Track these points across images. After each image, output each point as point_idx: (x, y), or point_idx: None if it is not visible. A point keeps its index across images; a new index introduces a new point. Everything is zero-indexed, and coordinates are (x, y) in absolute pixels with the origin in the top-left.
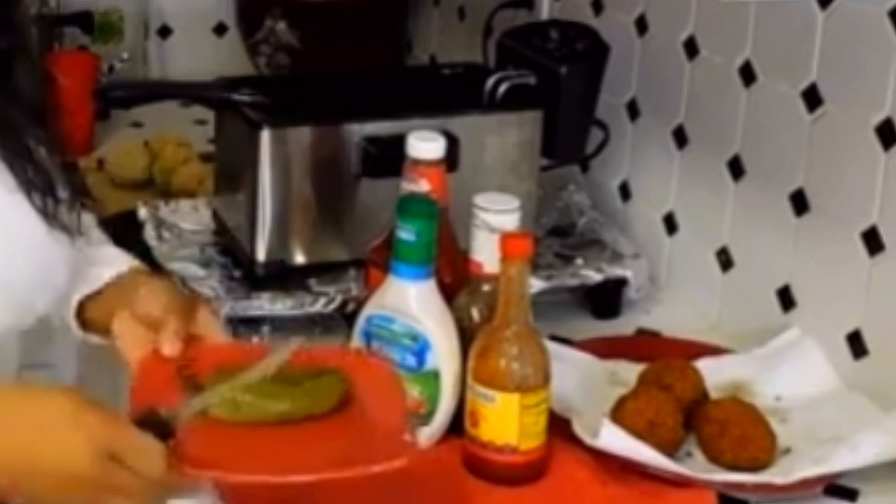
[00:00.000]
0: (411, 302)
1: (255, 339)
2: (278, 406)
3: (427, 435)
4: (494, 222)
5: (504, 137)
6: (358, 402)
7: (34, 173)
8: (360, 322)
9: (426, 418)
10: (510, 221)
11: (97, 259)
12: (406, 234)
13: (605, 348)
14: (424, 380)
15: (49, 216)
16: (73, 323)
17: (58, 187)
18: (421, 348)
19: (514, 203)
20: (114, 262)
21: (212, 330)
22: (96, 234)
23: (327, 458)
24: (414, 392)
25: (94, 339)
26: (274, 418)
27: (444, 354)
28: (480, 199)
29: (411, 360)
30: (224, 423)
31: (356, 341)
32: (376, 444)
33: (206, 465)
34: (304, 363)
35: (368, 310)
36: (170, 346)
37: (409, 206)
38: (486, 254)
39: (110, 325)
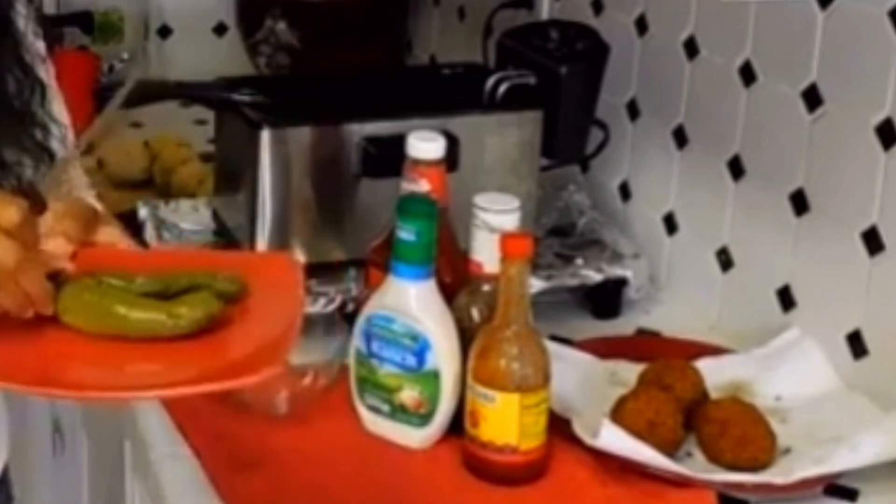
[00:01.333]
0: (411, 302)
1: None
2: (131, 321)
3: (427, 435)
4: (494, 222)
5: (504, 137)
6: (245, 312)
7: (8, 181)
8: (360, 322)
9: (426, 418)
10: (510, 221)
11: None
12: (406, 234)
13: (605, 348)
14: (424, 380)
15: None
16: None
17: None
18: (421, 348)
19: (514, 203)
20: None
21: (115, 242)
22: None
23: (177, 375)
24: (414, 392)
25: None
26: (133, 333)
27: (444, 354)
28: (480, 199)
29: (411, 360)
30: (81, 333)
31: (356, 341)
32: (237, 362)
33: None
34: (206, 265)
35: (368, 310)
36: (54, 244)
37: (409, 206)
38: (486, 254)
39: None
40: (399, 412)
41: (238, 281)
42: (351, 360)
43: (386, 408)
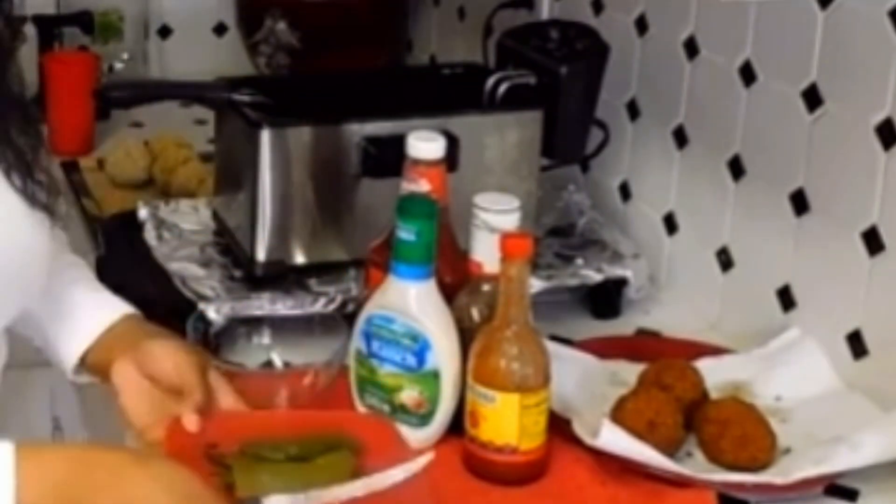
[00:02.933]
0: (411, 302)
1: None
2: (294, 486)
3: (427, 435)
4: (494, 222)
5: (504, 137)
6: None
7: (14, 156)
8: (360, 322)
9: (426, 419)
10: (510, 221)
11: (84, 303)
12: (406, 234)
13: (606, 348)
14: (424, 380)
15: (29, 196)
16: (68, 368)
17: (36, 172)
18: (421, 348)
19: (514, 203)
20: (104, 306)
21: (222, 391)
22: (70, 257)
23: None
24: (414, 392)
25: (85, 378)
26: None
27: (444, 354)
28: (480, 199)
29: (411, 361)
30: None
31: (356, 341)
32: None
33: None
34: (315, 426)
35: (368, 310)
36: (194, 423)
37: (409, 206)
38: (485, 254)
39: (109, 371)
40: (399, 412)
41: (354, 444)
42: (351, 360)
43: (386, 408)
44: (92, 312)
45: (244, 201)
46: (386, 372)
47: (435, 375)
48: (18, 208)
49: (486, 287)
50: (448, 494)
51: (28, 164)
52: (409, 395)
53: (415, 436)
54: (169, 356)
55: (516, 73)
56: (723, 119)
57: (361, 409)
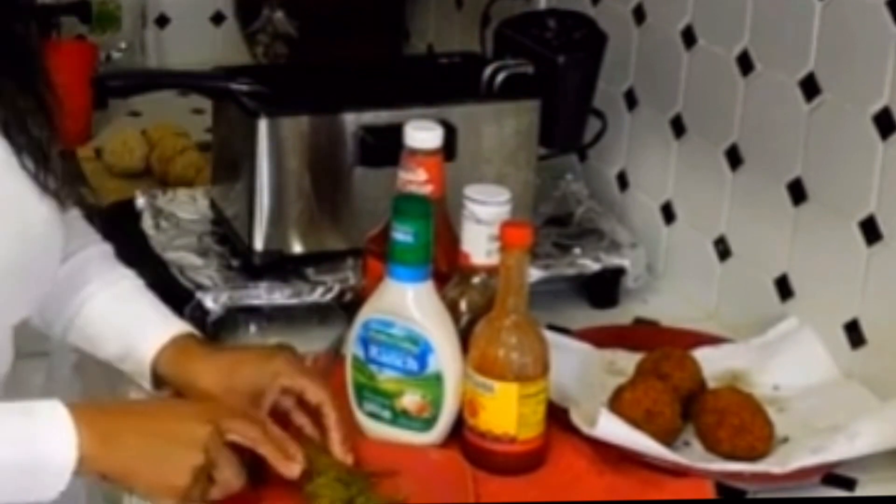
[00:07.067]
0: (410, 305)
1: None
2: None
3: (432, 439)
4: (481, 213)
5: (502, 127)
6: None
7: (26, 140)
8: (357, 327)
9: (429, 423)
10: (498, 213)
11: (144, 320)
12: (402, 235)
13: (603, 338)
14: (426, 383)
15: (41, 181)
16: (146, 375)
17: (49, 157)
18: (423, 351)
19: (504, 195)
20: (163, 324)
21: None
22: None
23: None
24: (416, 396)
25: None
26: None
27: (446, 357)
28: (470, 190)
29: (413, 364)
30: None
31: (354, 348)
32: None
33: None
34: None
35: (365, 314)
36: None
37: (405, 206)
38: (473, 245)
39: (179, 383)
40: (401, 418)
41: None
42: (348, 367)
43: (386, 414)
44: (152, 331)
45: (242, 191)
46: (386, 377)
47: (437, 378)
48: (30, 194)
49: (474, 279)
50: (447, 485)
51: (43, 152)
52: (410, 399)
53: (418, 441)
54: (256, 369)
55: (514, 63)
56: (720, 108)
57: (360, 416)
